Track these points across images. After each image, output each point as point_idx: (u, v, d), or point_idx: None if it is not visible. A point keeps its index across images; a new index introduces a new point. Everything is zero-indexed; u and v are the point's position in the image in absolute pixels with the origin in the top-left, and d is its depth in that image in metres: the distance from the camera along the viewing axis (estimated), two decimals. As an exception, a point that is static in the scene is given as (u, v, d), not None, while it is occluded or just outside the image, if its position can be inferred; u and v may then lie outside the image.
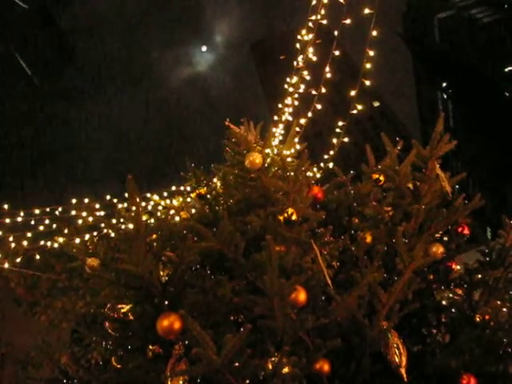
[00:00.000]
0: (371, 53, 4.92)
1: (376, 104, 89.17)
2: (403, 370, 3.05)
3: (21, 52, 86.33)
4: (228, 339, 2.49)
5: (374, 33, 4.86)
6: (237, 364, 2.49)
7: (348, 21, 5.04)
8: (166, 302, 3.03)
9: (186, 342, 2.96)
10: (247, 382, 2.53)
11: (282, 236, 3.51)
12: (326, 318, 3.17)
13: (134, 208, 3.06)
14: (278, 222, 3.61)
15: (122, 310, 3.55)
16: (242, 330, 2.57)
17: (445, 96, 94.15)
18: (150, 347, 3.38)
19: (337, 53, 5.21)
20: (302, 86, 5.80)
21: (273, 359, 2.86)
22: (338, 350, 3.18)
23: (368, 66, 5.01)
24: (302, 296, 3.08)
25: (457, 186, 4.32)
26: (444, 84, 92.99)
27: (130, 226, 3.28)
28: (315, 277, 3.27)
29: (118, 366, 3.68)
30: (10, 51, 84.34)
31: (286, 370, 2.76)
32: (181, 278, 3.18)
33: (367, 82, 5.16)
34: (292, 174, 3.96)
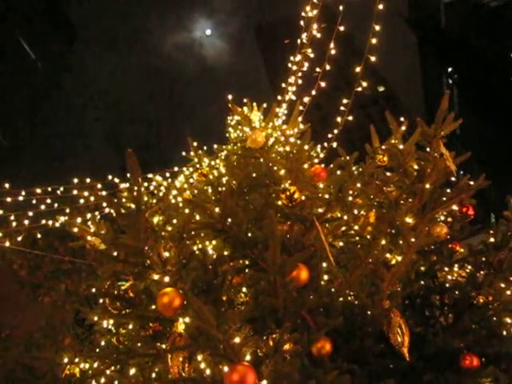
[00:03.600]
0: (377, 27, 4.82)
1: (381, 89, 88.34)
2: (405, 350, 3.03)
3: (24, 36, 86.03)
4: (229, 314, 2.47)
5: (381, 6, 4.76)
6: (237, 340, 2.46)
7: (354, -5, 4.95)
8: (167, 279, 2.99)
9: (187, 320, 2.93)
10: (248, 358, 2.50)
11: (285, 213, 3.48)
12: (328, 296, 3.14)
13: (135, 186, 3.02)
14: (280, 200, 3.58)
15: (122, 288, 3.52)
16: (243, 307, 2.55)
17: (450, 81, 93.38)
18: (151, 325, 3.36)
19: (341, 28, 5.13)
20: (306, 64, 5.73)
21: (274, 336, 2.84)
22: (340, 329, 3.16)
23: (374, 41, 4.91)
24: (303, 274, 3.05)
25: (461, 172, 4.27)
26: (449, 69, 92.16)
27: (132, 205, 3.23)
28: (317, 254, 3.23)
29: (120, 346, 3.68)
30: (15, 36, 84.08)
31: (287, 346, 2.73)
32: (182, 254, 3.14)
33: (372, 58, 5.07)
34: (295, 152, 3.90)
